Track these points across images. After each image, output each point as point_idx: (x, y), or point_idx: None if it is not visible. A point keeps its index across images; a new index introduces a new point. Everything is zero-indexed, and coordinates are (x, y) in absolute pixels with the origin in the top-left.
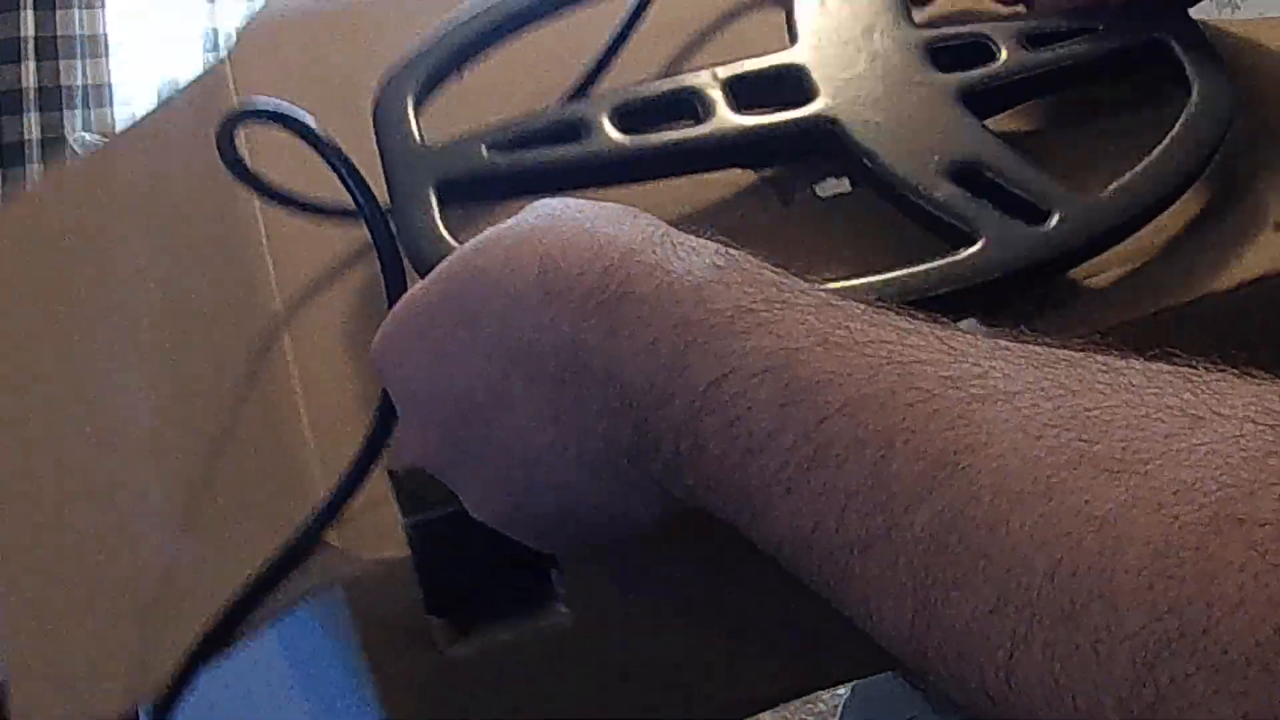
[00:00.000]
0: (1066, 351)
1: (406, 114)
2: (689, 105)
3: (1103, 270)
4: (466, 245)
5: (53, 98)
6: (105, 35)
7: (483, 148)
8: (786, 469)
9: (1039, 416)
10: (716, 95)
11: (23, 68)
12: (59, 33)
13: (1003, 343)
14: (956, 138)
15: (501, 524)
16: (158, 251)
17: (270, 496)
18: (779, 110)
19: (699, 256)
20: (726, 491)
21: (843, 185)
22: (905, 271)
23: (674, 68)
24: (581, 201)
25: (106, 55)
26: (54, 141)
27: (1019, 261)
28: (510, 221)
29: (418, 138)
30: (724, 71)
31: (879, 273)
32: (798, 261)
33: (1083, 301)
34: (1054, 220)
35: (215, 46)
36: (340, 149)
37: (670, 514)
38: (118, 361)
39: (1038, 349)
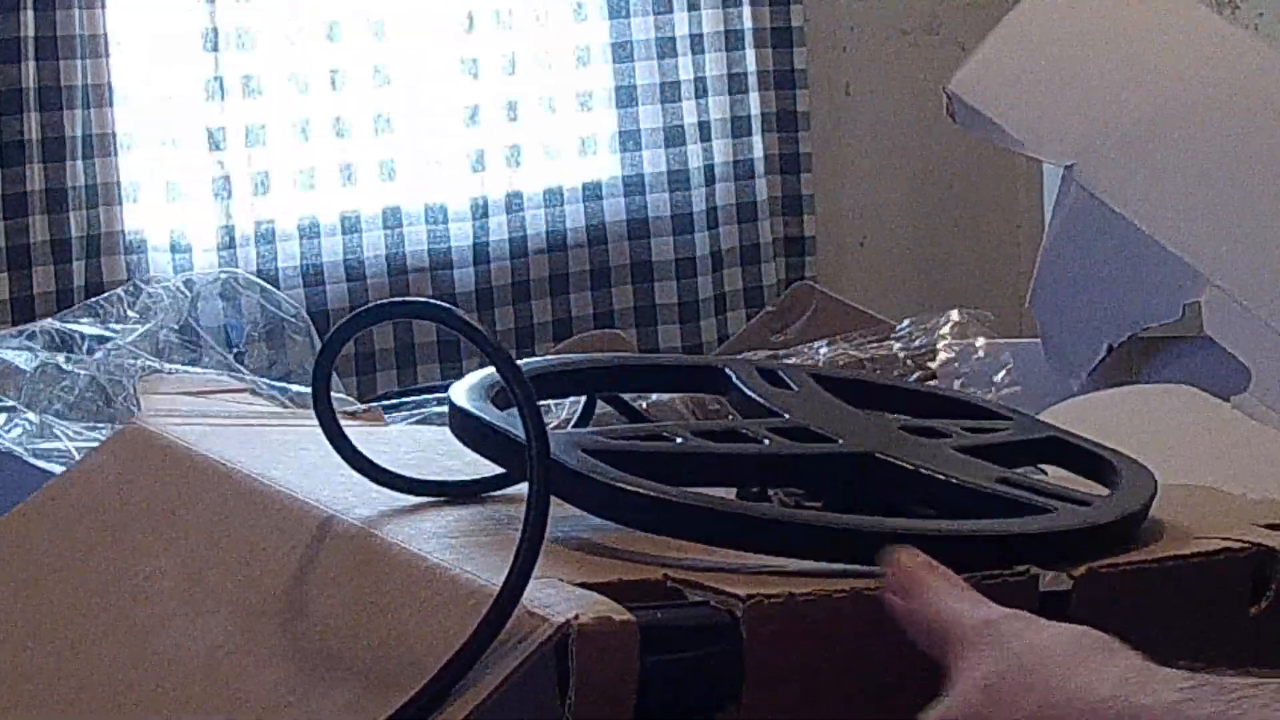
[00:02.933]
0: None
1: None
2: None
3: None
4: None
5: (53, 98)
6: (105, 35)
7: (574, 447)
8: None
9: None
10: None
11: (23, 68)
12: (59, 33)
13: None
14: (983, 467)
15: None
16: None
17: None
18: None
19: (1165, 680)
20: None
21: None
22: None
23: None
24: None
25: (106, 55)
26: (54, 141)
27: (1094, 521)
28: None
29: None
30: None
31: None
32: None
33: None
34: (1115, 491)
35: (215, 47)
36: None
37: None
38: None
39: None
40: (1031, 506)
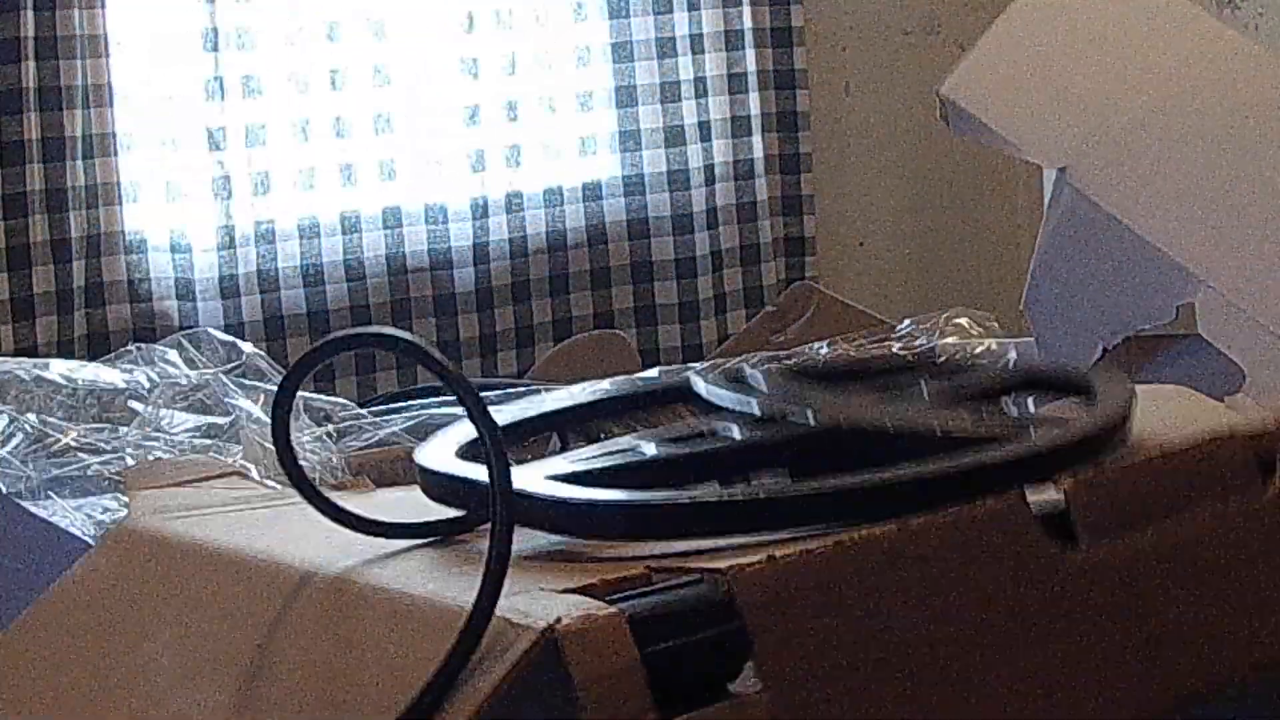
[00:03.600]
0: None
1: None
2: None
3: None
4: None
5: (53, 98)
6: (105, 35)
7: (541, 477)
8: None
9: None
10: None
11: (23, 68)
12: (59, 33)
13: None
14: (935, 413)
15: None
16: None
17: None
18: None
19: None
20: None
21: None
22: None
23: None
24: None
25: (106, 55)
26: (54, 141)
27: (1059, 443)
28: None
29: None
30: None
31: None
32: None
33: None
34: (1093, 406)
35: (215, 47)
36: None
37: None
38: None
39: None
40: (1008, 436)
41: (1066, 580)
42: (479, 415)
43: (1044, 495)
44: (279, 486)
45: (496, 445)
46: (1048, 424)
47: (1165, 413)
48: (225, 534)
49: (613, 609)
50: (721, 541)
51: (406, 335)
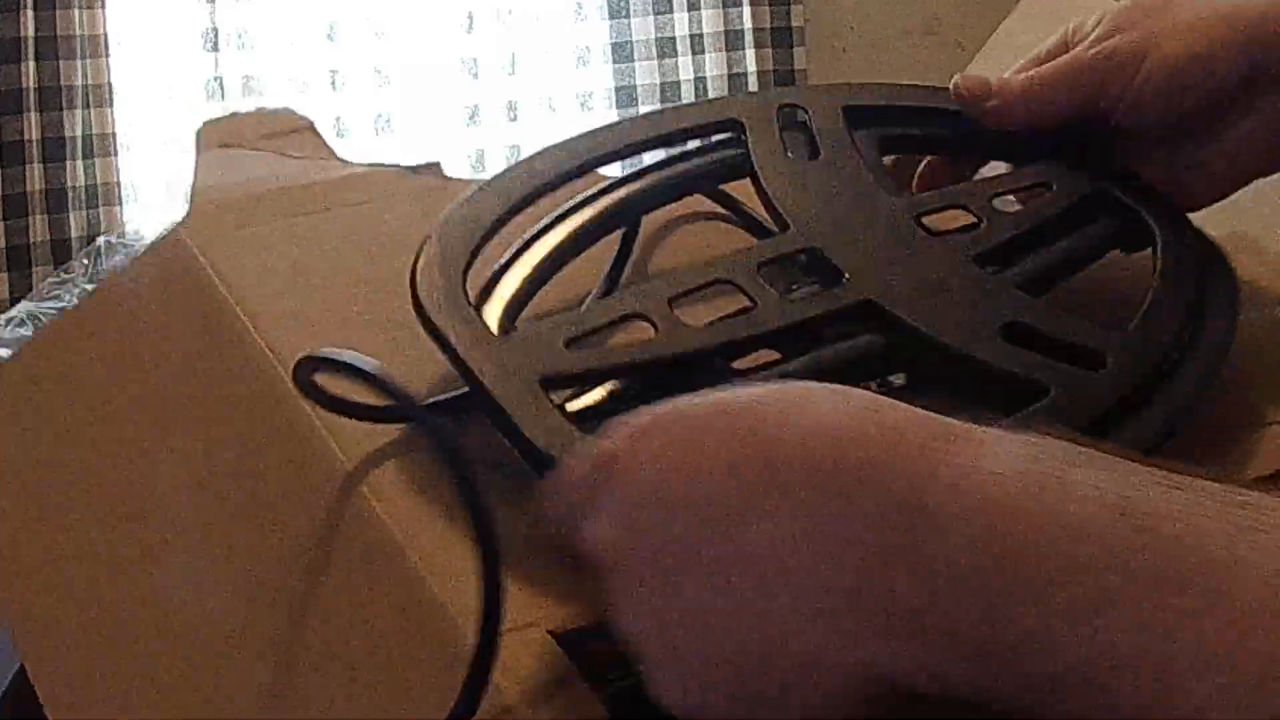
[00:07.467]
0: None
1: (465, 302)
2: (731, 294)
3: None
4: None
5: (53, 98)
6: (105, 35)
7: (560, 342)
8: (1125, 589)
9: None
10: (757, 282)
11: (23, 68)
12: (59, 33)
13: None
14: (994, 301)
15: (658, 647)
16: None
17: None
18: (811, 293)
19: (1010, 433)
20: (1036, 611)
21: None
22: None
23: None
24: None
25: (107, 55)
26: (54, 141)
27: (1096, 404)
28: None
29: (489, 327)
30: (754, 258)
31: None
32: None
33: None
34: (1110, 359)
35: (215, 47)
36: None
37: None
38: (184, 554)
39: None
40: (1028, 384)
41: None
42: (463, 484)
43: None
44: (342, 162)
45: (486, 524)
46: (1080, 363)
47: None
48: (264, 297)
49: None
50: None
51: (370, 367)
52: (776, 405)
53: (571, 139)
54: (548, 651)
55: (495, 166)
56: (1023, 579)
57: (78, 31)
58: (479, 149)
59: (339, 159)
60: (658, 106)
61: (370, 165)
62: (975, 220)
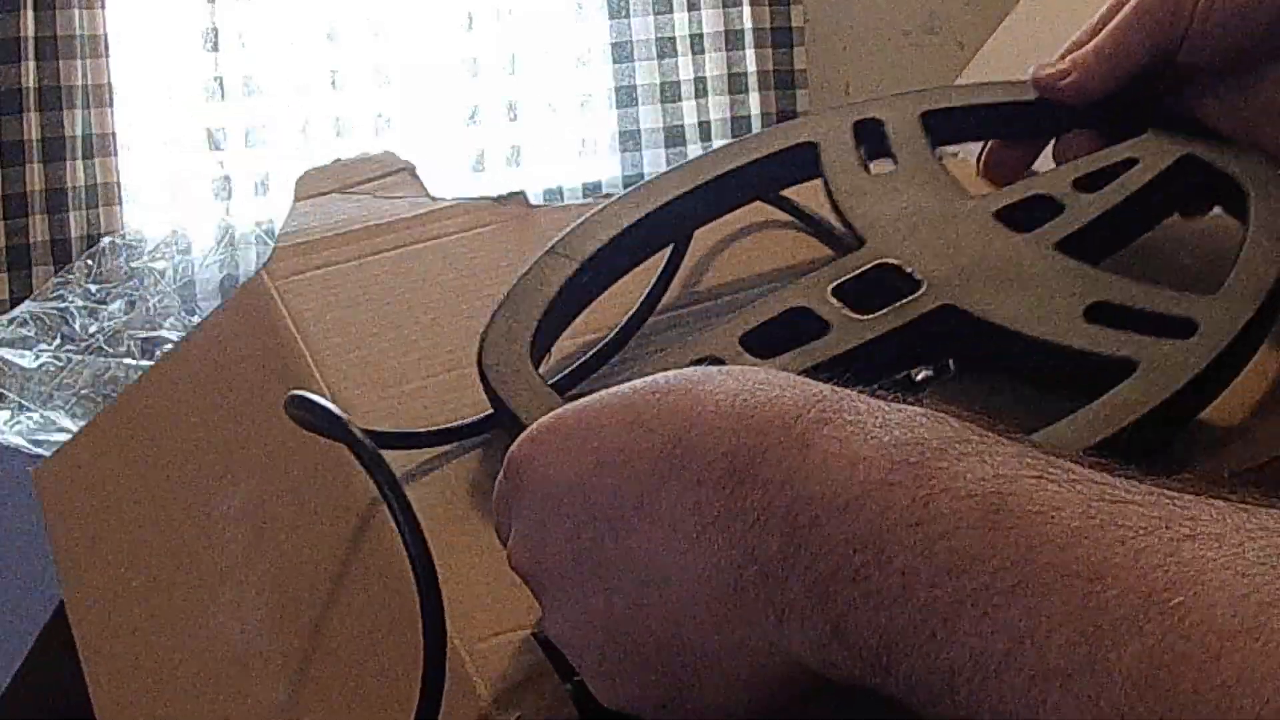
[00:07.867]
0: (1265, 502)
1: (525, 363)
2: (805, 320)
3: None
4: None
5: (53, 98)
6: (105, 35)
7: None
8: (987, 591)
9: (1246, 556)
10: (832, 305)
11: (23, 68)
12: (59, 33)
13: (1193, 496)
14: (1075, 285)
15: (581, 651)
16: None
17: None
18: (889, 308)
19: (898, 410)
20: (903, 609)
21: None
22: (1081, 414)
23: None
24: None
25: (106, 55)
26: (54, 141)
27: (1187, 372)
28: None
29: (555, 394)
30: (827, 280)
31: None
32: None
33: (1200, 450)
34: (1201, 327)
35: (215, 47)
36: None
37: (759, 691)
38: (222, 581)
39: (1236, 499)
40: (1114, 361)
41: None
42: (405, 524)
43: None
44: (433, 200)
45: (426, 562)
46: (1165, 334)
47: None
48: (331, 347)
49: None
50: None
51: (324, 407)
52: (664, 394)
53: (642, 188)
54: (526, 651)
55: (495, 166)
56: (892, 577)
57: (78, 31)
58: (479, 149)
59: (430, 196)
60: (727, 140)
61: (457, 200)
62: (1060, 207)
